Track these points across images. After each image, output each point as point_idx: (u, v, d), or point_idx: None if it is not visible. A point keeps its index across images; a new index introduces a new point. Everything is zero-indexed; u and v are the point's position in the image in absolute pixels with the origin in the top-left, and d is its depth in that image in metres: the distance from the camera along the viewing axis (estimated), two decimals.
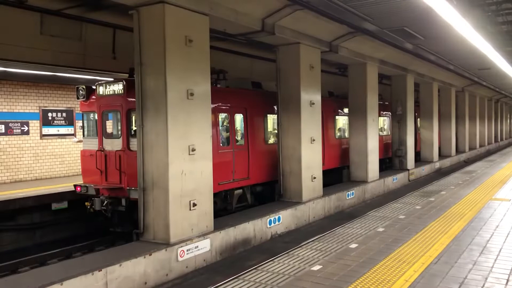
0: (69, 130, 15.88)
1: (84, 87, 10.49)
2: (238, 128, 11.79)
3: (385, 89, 21.46)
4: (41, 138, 14.99)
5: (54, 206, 11.95)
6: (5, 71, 12.14)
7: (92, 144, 10.55)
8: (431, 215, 9.97)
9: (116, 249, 8.55)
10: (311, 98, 12.25)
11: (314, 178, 12.40)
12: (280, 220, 10.87)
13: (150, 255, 7.43)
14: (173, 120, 7.93)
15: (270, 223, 10.53)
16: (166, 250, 7.71)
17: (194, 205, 8.35)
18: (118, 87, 9.78)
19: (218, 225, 9.19)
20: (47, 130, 15.16)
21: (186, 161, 8.22)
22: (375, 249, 7.43)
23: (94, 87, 10.31)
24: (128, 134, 9.84)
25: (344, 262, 6.80)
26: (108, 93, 9.99)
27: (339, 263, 6.74)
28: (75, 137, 15.59)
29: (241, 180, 11.46)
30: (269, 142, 12.68)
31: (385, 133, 20.32)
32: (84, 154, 10.80)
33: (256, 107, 12.24)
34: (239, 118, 11.78)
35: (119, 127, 10.11)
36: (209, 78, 8.85)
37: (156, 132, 8.00)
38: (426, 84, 23.43)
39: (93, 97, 10.44)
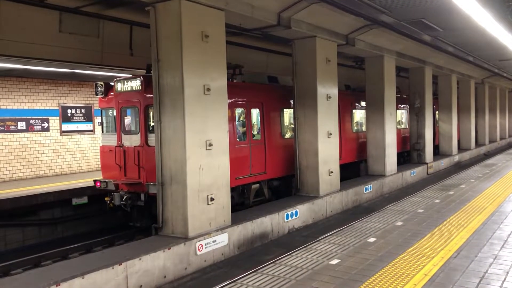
0: (88, 126, 16.11)
1: (102, 83, 10.56)
2: (255, 123, 11.80)
3: (403, 82, 21.20)
4: (61, 135, 15.25)
5: (75, 201, 12.17)
6: (25, 69, 12.38)
7: (111, 140, 10.63)
8: (450, 209, 9.85)
9: (136, 244, 8.67)
10: (327, 92, 12.18)
11: (331, 172, 12.36)
12: (297, 215, 10.88)
13: (169, 249, 7.51)
14: (190, 115, 7.98)
15: (287, 217, 10.54)
16: (184, 244, 7.79)
17: (212, 199, 8.41)
18: (136, 84, 9.86)
19: (236, 219, 9.24)
20: (66, 127, 15.41)
21: (204, 156, 8.27)
22: (393, 243, 7.39)
23: (112, 83, 10.41)
24: (146, 129, 9.89)
25: (362, 256, 6.79)
26: (126, 89, 10.07)
27: (358, 257, 6.72)
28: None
29: (258, 175, 11.47)
30: (285, 137, 12.68)
31: (403, 126, 20.11)
32: (103, 150, 10.90)
33: (272, 101, 12.23)
34: (255, 112, 11.78)
35: (137, 123, 10.17)
36: (225, 74, 8.88)
37: (174, 127, 8.06)
38: (445, 76, 23.06)
39: (112, 93, 10.54)
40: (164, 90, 8.14)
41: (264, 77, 13.02)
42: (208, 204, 8.35)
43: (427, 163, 19.43)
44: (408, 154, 20.11)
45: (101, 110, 11.22)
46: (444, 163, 21.66)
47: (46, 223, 11.86)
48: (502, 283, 5.52)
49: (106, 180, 10.37)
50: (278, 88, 12.89)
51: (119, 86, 10.16)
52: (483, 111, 30.51)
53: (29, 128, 14.37)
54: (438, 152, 23.01)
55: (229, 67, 10.63)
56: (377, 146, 15.83)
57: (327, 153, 12.19)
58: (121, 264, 6.73)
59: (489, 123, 31.72)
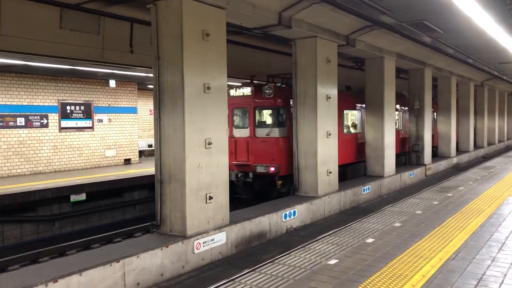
0: (87, 123, 16.09)
1: None
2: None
3: (400, 83, 21.19)
4: (59, 131, 15.23)
5: (73, 198, 12.16)
6: (25, 65, 12.35)
7: None
8: (448, 211, 9.86)
9: (134, 241, 8.65)
10: (327, 92, 12.18)
11: (330, 172, 12.36)
12: (295, 214, 10.88)
13: (167, 247, 7.50)
14: (190, 114, 7.97)
15: (285, 217, 10.54)
16: (182, 242, 7.78)
17: (210, 198, 8.40)
18: (247, 90, 12.93)
19: (234, 218, 9.23)
20: (65, 123, 15.39)
21: (203, 154, 8.27)
22: (391, 244, 7.39)
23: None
24: (254, 125, 12.90)
25: (360, 256, 6.79)
26: (238, 94, 13.07)
27: (356, 258, 6.73)
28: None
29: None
30: (346, 132, 15.16)
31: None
32: None
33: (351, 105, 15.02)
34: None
35: (247, 120, 13.04)
36: (226, 73, 8.86)
37: (173, 126, 8.05)
38: (444, 79, 23.08)
39: None
40: (164, 88, 8.13)
41: (342, 86, 14.98)
42: (206, 202, 8.34)
43: (425, 165, 19.44)
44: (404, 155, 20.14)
45: None
46: (442, 165, 21.68)
47: (44, 220, 11.85)
48: (500, 285, 5.53)
49: None
50: (350, 94, 15.44)
51: (232, 92, 13.11)
52: (482, 114, 30.54)
53: (28, 124, 14.34)
54: (437, 154, 23.03)
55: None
56: (375, 147, 15.83)
57: (326, 154, 12.20)
58: (119, 262, 6.73)
59: (487, 126, 31.74)
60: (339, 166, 15.29)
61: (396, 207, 10.58)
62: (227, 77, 8.94)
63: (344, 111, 16.00)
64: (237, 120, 13.53)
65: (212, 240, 8.37)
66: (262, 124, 13.14)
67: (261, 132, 12.79)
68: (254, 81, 13.57)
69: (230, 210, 9.15)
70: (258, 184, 12.67)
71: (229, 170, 12.13)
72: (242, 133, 13.10)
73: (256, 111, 12.94)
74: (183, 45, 7.82)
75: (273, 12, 10.04)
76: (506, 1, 10.39)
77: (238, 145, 12.99)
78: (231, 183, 12.27)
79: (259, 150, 12.48)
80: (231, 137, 12.87)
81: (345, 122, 15.90)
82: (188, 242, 7.88)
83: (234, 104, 13.12)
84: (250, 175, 12.63)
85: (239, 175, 12.76)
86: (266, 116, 13.43)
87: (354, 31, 12.83)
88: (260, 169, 12.34)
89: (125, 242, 8.56)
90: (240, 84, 13.47)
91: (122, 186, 13.43)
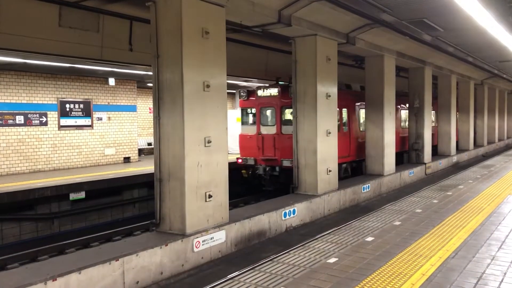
0: (87, 121, 16.07)
1: (246, 90, 15.02)
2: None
3: (399, 81, 21.17)
4: (59, 129, 15.20)
5: (72, 196, 12.15)
6: (24, 63, 12.32)
7: (250, 130, 14.81)
8: (448, 209, 9.85)
9: (133, 239, 8.66)
10: (327, 91, 12.16)
11: (330, 171, 12.35)
12: (295, 213, 10.86)
13: (166, 245, 7.49)
14: (189, 112, 7.95)
15: (285, 216, 10.53)
16: (182, 241, 7.77)
17: (210, 196, 8.38)
18: (274, 91, 14.08)
19: (233, 216, 9.22)
20: (64, 121, 15.36)
21: (202, 153, 8.25)
22: (391, 243, 7.38)
23: (252, 90, 14.80)
24: (281, 123, 13.91)
25: (360, 255, 6.78)
26: (266, 94, 14.23)
27: (355, 256, 6.71)
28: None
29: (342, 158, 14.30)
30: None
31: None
32: (243, 137, 15.05)
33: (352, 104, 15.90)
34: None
35: (273, 119, 14.16)
36: (225, 71, 8.84)
37: (173, 124, 8.03)
38: (444, 77, 23.05)
39: (252, 97, 14.72)
40: (163, 86, 8.10)
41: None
42: (206, 201, 8.32)
43: (425, 163, 19.43)
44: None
45: (242, 109, 15.34)
46: (442, 163, 21.67)
47: (43, 218, 11.84)
48: (500, 284, 5.52)
49: (247, 157, 14.56)
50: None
51: (259, 92, 14.45)
52: (482, 112, 30.52)
53: (27, 122, 14.32)
54: (436, 153, 23.02)
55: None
56: (375, 146, 15.81)
57: (326, 152, 12.18)
58: (118, 260, 6.71)
59: (487, 125, 31.73)
60: (357, 161, 16.37)
61: (396, 205, 10.57)
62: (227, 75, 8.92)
63: (360, 110, 16.34)
64: (264, 118, 14.58)
65: (211, 238, 8.35)
66: (288, 122, 13.72)
67: (287, 129, 13.51)
68: (279, 82, 14.62)
69: (240, 207, 9.17)
70: (284, 177, 13.49)
71: (257, 165, 14.27)
72: (269, 130, 14.20)
73: (283, 110, 13.95)
74: (183, 43, 7.79)
75: (272, 10, 10.01)
76: None
77: (265, 142, 14.12)
78: (259, 176, 14.16)
79: (285, 146, 13.30)
80: (258, 134, 14.43)
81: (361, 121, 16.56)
82: (187, 241, 7.86)
83: (262, 103, 14.34)
84: (277, 169, 13.73)
85: (267, 169, 13.90)
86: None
87: (354, 29, 12.80)
88: (286, 163, 13.27)
89: (124, 241, 8.56)
90: (267, 85, 14.69)
91: (122, 184, 13.42)
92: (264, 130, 14.25)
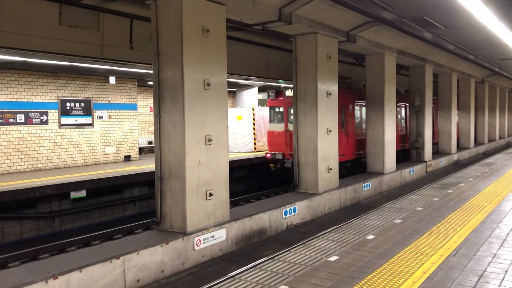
0: (87, 120, 16.06)
1: (274, 90, 16.02)
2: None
3: (401, 80, 21.16)
4: (59, 128, 15.20)
5: (73, 194, 12.15)
6: (25, 62, 12.31)
7: (278, 127, 15.86)
8: (449, 207, 9.84)
9: (134, 238, 8.66)
10: (328, 89, 12.14)
11: (330, 169, 12.34)
12: (295, 211, 10.86)
13: (167, 244, 7.49)
14: (190, 110, 7.94)
15: (285, 214, 10.53)
16: (182, 239, 7.77)
17: (211, 194, 8.38)
18: None
19: (234, 215, 9.22)
20: (65, 120, 15.36)
21: (203, 151, 8.24)
22: (392, 241, 7.37)
23: (281, 90, 15.94)
24: None
25: (361, 253, 6.77)
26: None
27: (356, 254, 6.71)
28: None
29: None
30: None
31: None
32: (272, 133, 16.16)
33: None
34: None
35: None
36: (226, 69, 8.83)
37: (173, 122, 8.02)
38: (445, 75, 23.03)
39: (280, 97, 15.75)
40: (163, 84, 8.10)
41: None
42: (206, 199, 8.33)
43: (426, 161, 19.42)
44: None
45: (270, 108, 16.45)
46: (443, 161, 21.65)
47: (44, 216, 11.84)
48: (501, 282, 5.51)
49: (275, 152, 15.59)
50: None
51: (287, 93, 15.33)
52: (482, 110, 30.49)
53: (28, 121, 14.31)
54: (437, 151, 23.00)
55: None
56: (376, 144, 15.81)
57: (327, 150, 12.18)
58: (119, 258, 6.72)
59: (488, 122, 31.71)
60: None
61: (396, 203, 10.56)
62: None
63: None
64: (292, 117, 14.49)
65: (212, 237, 8.35)
66: None
67: None
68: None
69: (241, 205, 9.16)
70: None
71: (285, 159, 15.32)
72: None
73: None
74: (183, 41, 7.78)
75: (273, 8, 9.99)
76: None
77: (292, 137, 14.11)
78: (287, 169, 15.09)
79: None
80: (286, 131, 15.46)
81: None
82: (188, 239, 7.87)
83: (289, 103, 14.81)
84: None
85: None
86: None
87: (354, 27, 12.77)
88: None
89: (125, 239, 8.55)
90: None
91: (122, 182, 13.42)
92: (291, 127, 14.50)
